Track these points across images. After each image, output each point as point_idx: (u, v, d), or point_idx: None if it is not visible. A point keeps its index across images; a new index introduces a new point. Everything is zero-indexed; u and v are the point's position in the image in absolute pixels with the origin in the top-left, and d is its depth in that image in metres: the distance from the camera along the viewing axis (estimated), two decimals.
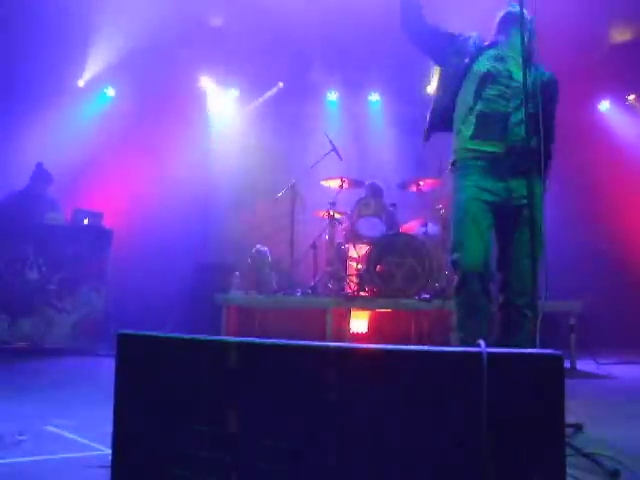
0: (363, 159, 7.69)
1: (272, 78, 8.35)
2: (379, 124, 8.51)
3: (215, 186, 8.13)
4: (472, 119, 2.88)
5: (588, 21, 6.47)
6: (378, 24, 6.21)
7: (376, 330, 5.99)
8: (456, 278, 2.88)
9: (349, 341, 5.25)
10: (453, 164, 3.01)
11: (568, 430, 2.47)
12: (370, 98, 8.73)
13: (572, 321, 5.09)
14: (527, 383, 1.34)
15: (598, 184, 7.85)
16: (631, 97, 8.49)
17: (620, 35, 7.31)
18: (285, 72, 8.20)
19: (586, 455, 1.98)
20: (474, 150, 2.88)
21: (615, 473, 1.86)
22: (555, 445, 1.31)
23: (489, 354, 1.33)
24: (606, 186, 7.84)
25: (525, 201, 2.62)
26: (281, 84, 8.41)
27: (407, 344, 1.44)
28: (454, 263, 2.88)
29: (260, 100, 8.52)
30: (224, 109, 8.59)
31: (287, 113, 8.24)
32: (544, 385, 1.33)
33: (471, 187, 2.85)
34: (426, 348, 1.38)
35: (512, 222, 2.84)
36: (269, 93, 8.48)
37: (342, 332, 5.35)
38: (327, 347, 1.41)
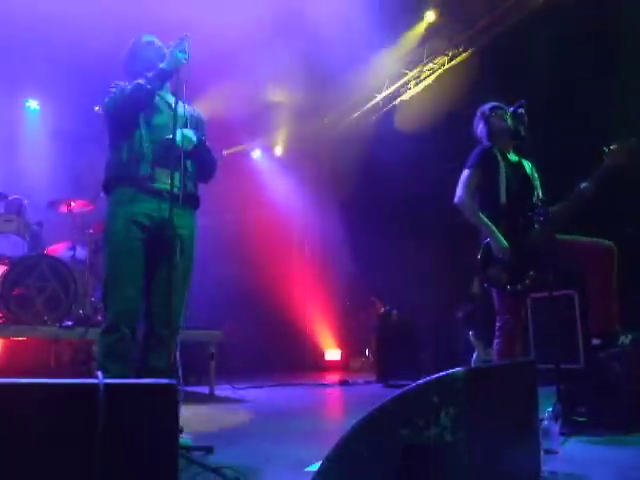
0: (10, 170, 6.94)
1: None
2: (35, 134, 7.82)
3: None
4: None
5: (249, 80, 7.13)
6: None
7: (9, 360, 5.43)
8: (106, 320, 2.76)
9: None
10: None
11: (199, 453, 2.64)
12: (28, 105, 8.00)
13: (212, 349, 5.38)
14: (143, 412, 1.39)
15: (246, 220, 8.63)
16: (277, 149, 9.76)
17: (274, 96, 8.24)
18: None
19: (213, 470, 2.24)
20: None
21: None
22: (169, 466, 1.38)
23: (106, 385, 1.33)
24: (253, 223, 8.66)
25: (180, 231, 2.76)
26: None
27: (46, 375, 1.37)
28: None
29: None
30: None
31: None
32: (159, 412, 1.40)
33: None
34: (41, 380, 1.32)
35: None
36: None
37: None
38: None
